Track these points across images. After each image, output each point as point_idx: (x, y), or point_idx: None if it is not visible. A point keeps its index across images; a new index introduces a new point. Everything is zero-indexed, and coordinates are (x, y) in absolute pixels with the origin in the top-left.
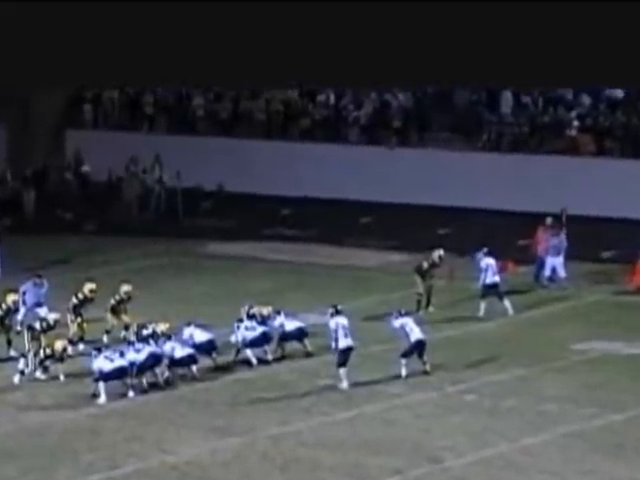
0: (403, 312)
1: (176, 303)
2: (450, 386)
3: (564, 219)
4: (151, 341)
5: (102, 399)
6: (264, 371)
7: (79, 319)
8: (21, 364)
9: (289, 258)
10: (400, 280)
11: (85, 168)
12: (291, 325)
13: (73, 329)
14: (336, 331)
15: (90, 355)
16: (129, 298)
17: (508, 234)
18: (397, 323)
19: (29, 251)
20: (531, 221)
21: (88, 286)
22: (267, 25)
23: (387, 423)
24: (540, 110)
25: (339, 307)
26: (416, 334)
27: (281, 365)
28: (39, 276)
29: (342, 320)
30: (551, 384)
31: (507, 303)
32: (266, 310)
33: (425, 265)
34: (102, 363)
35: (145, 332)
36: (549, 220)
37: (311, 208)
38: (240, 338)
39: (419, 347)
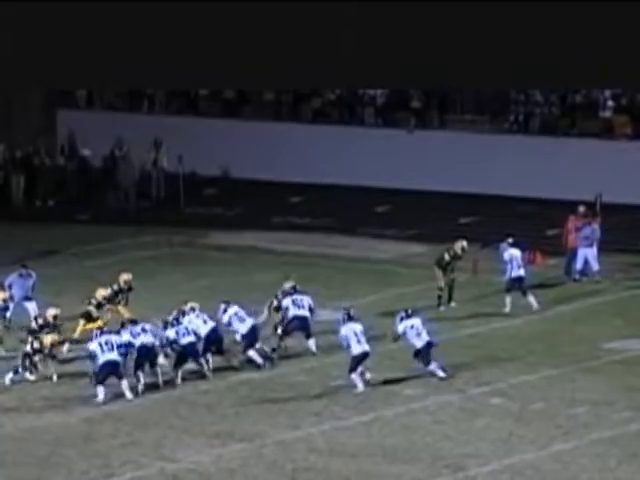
0: (410, 312)
1: (176, 297)
2: (474, 388)
3: (598, 207)
4: (148, 329)
5: (100, 397)
6: (272, 372)
7: (87, 324)
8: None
9: (299, 249)
10: (419, 273)
11: (86, 152)
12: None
13: (77, 332)
14: (347, 338)
15: (85, 354)
16: (129, 288)
17: (537, 223)
18: (400, 327)
19: (16, 241)
20: (562, 209)
21: (100, 292)
22: (266, 25)
23: (405, 428)
24: (572, 89)
25: (352, 312)
26: (423, 337)
27: (290, 365)
28: (25, 266)
29: (355, 326)
30: (583, 386)
31: (531, 298)
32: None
33: (447, 257)
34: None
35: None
36: (581, 208)
37: (323, 195)
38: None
39: (426, 350)
